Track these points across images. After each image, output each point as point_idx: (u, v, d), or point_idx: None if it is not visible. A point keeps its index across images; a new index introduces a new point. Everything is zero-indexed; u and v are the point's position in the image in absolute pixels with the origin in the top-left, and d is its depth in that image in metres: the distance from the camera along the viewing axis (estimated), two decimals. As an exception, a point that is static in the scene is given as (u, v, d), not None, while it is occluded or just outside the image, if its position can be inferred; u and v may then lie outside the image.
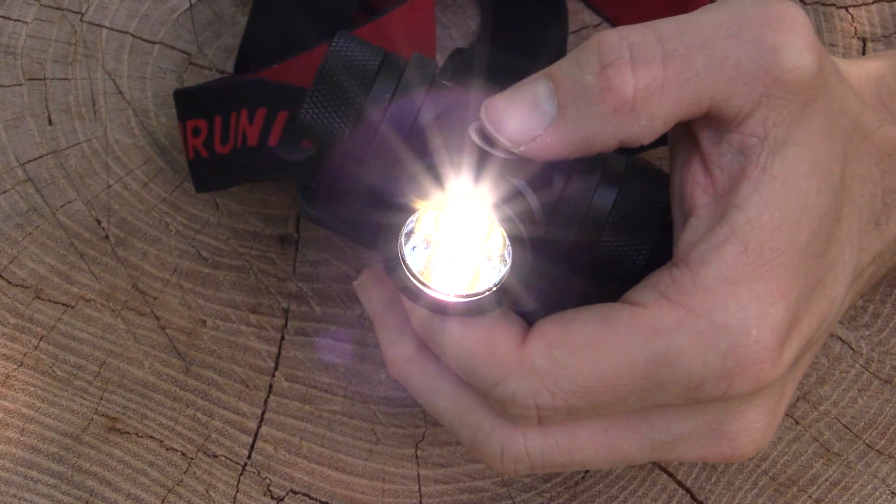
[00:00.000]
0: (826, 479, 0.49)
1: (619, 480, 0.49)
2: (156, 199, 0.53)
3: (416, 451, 0.50)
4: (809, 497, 0.49)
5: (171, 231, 0.53)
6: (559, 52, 0.55)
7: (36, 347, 0.51)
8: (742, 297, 0.37)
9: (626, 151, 0.49)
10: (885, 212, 0.42)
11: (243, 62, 0.52)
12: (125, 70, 0.55)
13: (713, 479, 0.49)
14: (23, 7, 0.55)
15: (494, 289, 0.39)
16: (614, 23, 0.57)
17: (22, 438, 0.50)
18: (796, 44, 0.38)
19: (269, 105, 0.48)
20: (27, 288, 0.52)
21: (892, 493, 0.49)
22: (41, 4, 0.55)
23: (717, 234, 0.38)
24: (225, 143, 0.49)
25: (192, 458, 0.49)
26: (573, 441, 0.40)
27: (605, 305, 0.39)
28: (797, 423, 0.50)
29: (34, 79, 0.54)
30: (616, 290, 0.40)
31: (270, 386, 0.51)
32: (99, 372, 0.51)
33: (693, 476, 0.50)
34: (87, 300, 0.52)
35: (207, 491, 0.49)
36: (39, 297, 0.52)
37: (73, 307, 0.51)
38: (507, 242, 0.38)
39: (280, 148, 0.47)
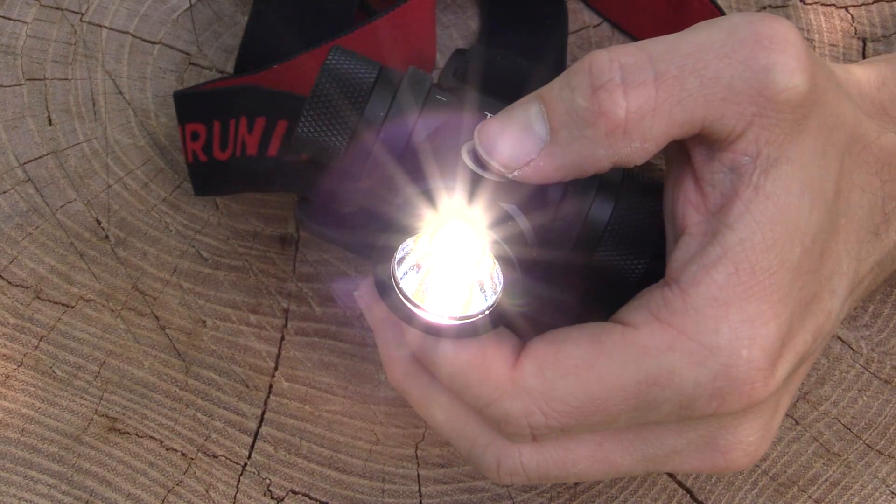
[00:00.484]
0: (826, 479, 0.49)
1: (619, 480, 0.49)
2: (156, 199, 0.53)
3: (416, 451, 0.50)
4: (809, 497, 0.49)
5: (171, 231, 0.53)
6: (559, 53, 0.55)
7: (36, 347, 0.51)
8: (733, 318, 0.37)
9: None
10: (885, 221, 0.42)
11: (243, 62, 0.52)
12: (125, 70, 0.55)
13: (713, 479, 0.49)
14: (23, 7, 0.55)
15: (487, 312, 0.39)
16: (614, 23, 0.57)
17: (22, 438, 0.50)
18: (789, 64, 0.37)
19: (268, 114, 0.48)
20: (27, 288, 0.52)
21: (892, 493, 0.49)
22: (41, 4, 0.55)
23: (709, 255, 0.37)
24: (224, 150, 0.49)
25: (192, 458, 0.49)
26: (568, 455, 0.41)
27: (597, 325, 0.39)
28: (797, 423, 0.50)
29: (34, 79, 0.54)
30: (612, 303, 0.40)
31: (270, 386, 0.51)
32: (99, 372, 0.51)
33: (693, 476, 0.50)
34: (87, 300, 0.52)
35: (207, 491, 0.49)
36: (39, 297, 0.52)
37: (73, 307, 0.51)
38: (498, 266, 0.39)
39: (280, 156, 0.47)
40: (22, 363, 0.51)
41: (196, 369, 0.51)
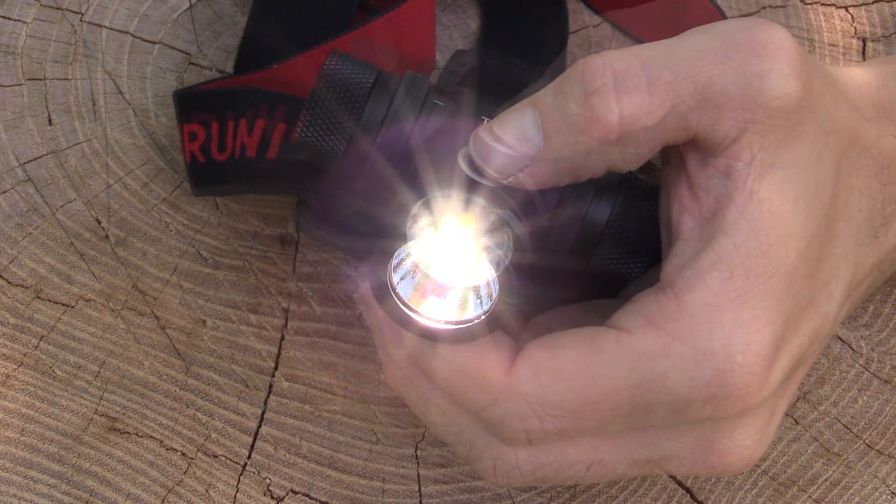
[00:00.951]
0: (826, 479, 0.49)
1: (619, 480, 0.49)
2: (156, 199, 0.53)
3: (416, 451, 0.50)
4: (809, 497, 0.49)
5: (171, 231, 0.53)
6: (559, 53, 0.55)
7: (36, 347, 0.51)
8: (727, 324, 0.37)
9: None
10: (884, 224, 0.42)
11: (243, 62, 0.52)
12: (125, 70, 0.55)
13: (713, 480, 0.49)
14: (23, 7, 0.55)
15: (483, 316, 0.39)
16: (614, 23, 0.57)
17: (22, 438, 0.50)
18: (783, 71, 0.37)
19: (267, 117, 0.48)
20: (27, 288, 0.52)
21: (892, 493, 0.49)
22: (41, 4, 0.55)
23: (703, 260, 0.37)
24: (222, 151, 0.49)
25: (192, 458, 0.49)
26: (564, 458, 0.41)
27: (592, 330, 0.39)
28: (797, 423, 0.50)
29: (34, 79, 0.54)
30: (610, 306, 0.40)
31: (270, 386, 0.51)
32: (99, 372, 0.51)
33: (693, 476, 0.50)
34: (87, 300, 0.52)
35: (207, 491, 0.49)
36: (39, 297, 0.52)
37: (73, 307, 0.51)
38: (494, 270, 0.39)
39: (279, 158, 0.47)
40: (22, 363, 0.51)
41: (196, 369, 0.51)
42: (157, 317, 0.51)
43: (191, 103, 0.50)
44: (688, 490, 0.49)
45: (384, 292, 0.39)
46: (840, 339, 0.51)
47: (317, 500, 0.49)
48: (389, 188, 0.42)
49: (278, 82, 0.49)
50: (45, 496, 0.49)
